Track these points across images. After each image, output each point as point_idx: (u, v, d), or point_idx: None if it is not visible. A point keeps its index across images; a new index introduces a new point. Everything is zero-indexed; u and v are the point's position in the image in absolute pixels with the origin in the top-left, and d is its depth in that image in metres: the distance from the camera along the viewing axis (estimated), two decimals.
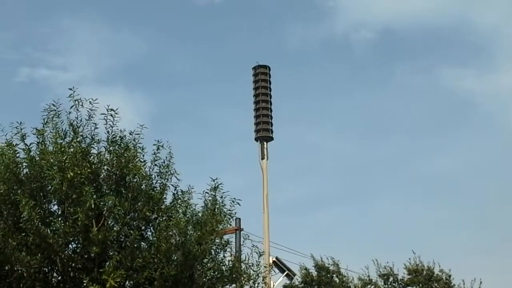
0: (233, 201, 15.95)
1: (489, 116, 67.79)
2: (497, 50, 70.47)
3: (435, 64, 71.86)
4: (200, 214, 15.57)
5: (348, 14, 67.52)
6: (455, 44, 70.54)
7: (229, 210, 15.96)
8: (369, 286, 31.03)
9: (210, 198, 15.75)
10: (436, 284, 30.90)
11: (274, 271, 26.25)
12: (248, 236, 16.96)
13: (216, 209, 15.56)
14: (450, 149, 65.86)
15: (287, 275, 28.36)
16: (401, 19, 70.72)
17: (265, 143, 27.90)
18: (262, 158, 27.49)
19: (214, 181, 15.74)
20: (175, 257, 14.64)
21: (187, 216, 15.41)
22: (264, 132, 27.99)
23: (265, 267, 17.66)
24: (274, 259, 27.04)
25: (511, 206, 59.30)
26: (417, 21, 69.18)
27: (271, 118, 28.47)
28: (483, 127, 66.71)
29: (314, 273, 30.96)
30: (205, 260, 15.51)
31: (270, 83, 29.43)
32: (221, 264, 15.82)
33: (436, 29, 69.97)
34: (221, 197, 15.84)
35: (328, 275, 30.65)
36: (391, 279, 31.13)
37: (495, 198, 58.21)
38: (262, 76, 29.41)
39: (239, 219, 22.62)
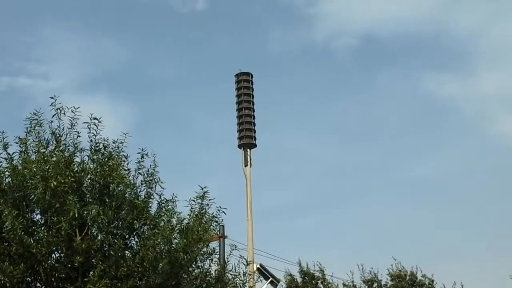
0: (219, 210, 15.99)
1: (470, 120, 68.34)
2: (477, 55, 71.16)
3: (416, 70, 72.43)
4: (185, 222, 15.52)
5: (330, 21, 67.85)
6: (435, 50, 71.16)
7: (215, 218, 15.98)
8: None
9: (196, 206, 15.71)
10: None
11: (260, 279, 26.19)
12: (236, 247, 16.91)
13: (203, 217, 15.53)
14: (433, 153, 66.30)
15: (271, 282, 28.31)
16: (382, 26, 71.26)
17: (248, 150, 27.91)
18: (246, 165, 27.49)
19: (202, 189, 15.76)
20: (161, 266, 14.58)
21: (172, 224, 15.35)
22: (247, 139, 28.00)
23: (249, 274, 17.62)
24: (258, 266, 27.00)
25: (492, 209, 59.67)
26: (398, 28, 69.75)
27: (254, 125, 28.48)
28: (464, 131, 67.23)
29: (299, 279, 30.97)
30: (191, 269, 15.46)
31: (252, 90, 29.47)
32: (207, 273, 15.78)
33: (417, 35, 70.53)
34: (207, 204, 15.84)
35: (313, 281, 30.66)
36: (375, 285, 31.20)
37: (477, 201, 58.67)
38: (244, 83, 29.45)
39: (223, 226, 22.57)
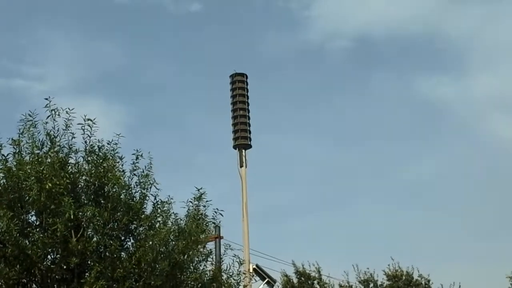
0: (215, 212, 16.03)
1: (464, 122, 68.49)
2: (470, 58, 71.40)
3: (410, 72, 72.58)
4: (182, 223, 15.51)
5: (323, 23, 67.93)
6: (429, 52, 71.35)
7: (212, 219, 16.01)
8: None
9: (193, 207, 15.69)
10: None
11: (255, 279, 26.18)
12: (230, 246, 16.92)
13: (200, 219, 15.51)
14: (428, 154, 66.44)
15: (267, 283, 28.31)
16: (376, 28, 71.43)
17: (243, 151, 27.88)
18: (241, 166, 27.46)
19: (198, 190, 15.72)
20: (158, 267, 14.53)
21: (168, 225, 15.33)
22: (242, 140, 27.97)
23: (244, 273, 17.62)
24: (254, 266, 26.99)
25: (487, 210, 59.81)
26: (392, 30, 69.86)
27: (249, 126, 28.45)
28: (458, 133, 67.37)
29: (295, 280, 30.95)
30: (190, 270, 15.44)
31: (247, 91, 29.43)
32: (203, 274, 15.77)
33: (411, 37, 70.67)
34: (204, 206, 15.85)
35: (309, 282, 30.65)
36: (371, 285, 31.22)
37: (472, 202, 58.77)
38: (239, 84, 29.42)
39: (219, 227, 22.51)
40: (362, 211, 60.13)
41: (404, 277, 31.10)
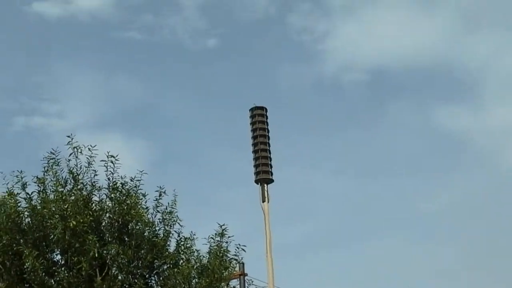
0: (238, 247, 15.86)
1: (483, 154, 67.84)
2: (487, 87, 70.86)
3: (427, 102, 72.09)
4: (205, 261, 15.34)
5: (338, 56, 67.95)
6: (446, 82, 70.78)
7: (235, 255, 15.84)
8: None
9: (215, 243, 15.54)
10: None
11: None
12: (252, 282, 16.70)
13: (223, 256, 15.35)
14: (447, 187, 65.71)
15: None
16: (391, 59, 71.08)
17: (265, 185, 27.66)
18: (263, 201, 27.19)
19: (221, 226, 15.59)
20: None
21: (191, 263, 15.17)
22: (264, 175, 27.70)
23: None
24: None
25: (508, 243, 58.79)
26: (407, 60, 69.51)
27: (270, 160, 28.26)
28: (477, 165, 66.68)
29: None
30: None
31: (267, 124, 29.28)
32: None
33: (426, 67, 70.28)
34: (226, 242, 15.68)
35: None
36: None
37: (492, 236, 57.79)
38: (259, 117, 29.22)
39: (243, 263, 22.29)
40: (387, 244, 59.40)
41: None
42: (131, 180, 15.22)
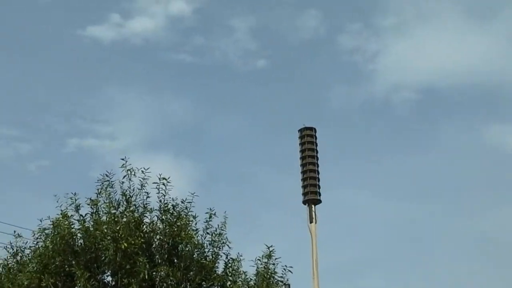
0: (285, 269, 15.89)
1: None
2: None
3: (479, 122, 71.04)
4: (252, 283, 15.43)
5: (388, 76, 67.51)
6: (499, 100, 69.74)
7: (281, 277, 15.87)
8: None
9: (262, 265, 15.63)
10: None
11: None
12: None
13: (270, 278, 15.43)
14: (503, 209, 64.45)
15: None
16: (441, 78, 70.31)
17: (313, 206, 27.66)
18: (311, 222, 27.20)
19: (268, 248, 15.68)
20: None
21: (238, 284, 15.28)
22: (312, 195, 27.73)
23: None
24: None
25: None
26: (458, 79, 68.78)
27: (319, 181, 28.26)
28: None
29: None
30: None
31: (316, 145, 29.30)
32: None
33: (478, 85, 69.38)
34: (273, 264, 15.75)
35: None
36: None
37: None
38: (308, 138, 29.30)
39: (289, 285, 22.30)
40: (439, 266, 58.48)
41: None
42: (182, 202, 15.48)
